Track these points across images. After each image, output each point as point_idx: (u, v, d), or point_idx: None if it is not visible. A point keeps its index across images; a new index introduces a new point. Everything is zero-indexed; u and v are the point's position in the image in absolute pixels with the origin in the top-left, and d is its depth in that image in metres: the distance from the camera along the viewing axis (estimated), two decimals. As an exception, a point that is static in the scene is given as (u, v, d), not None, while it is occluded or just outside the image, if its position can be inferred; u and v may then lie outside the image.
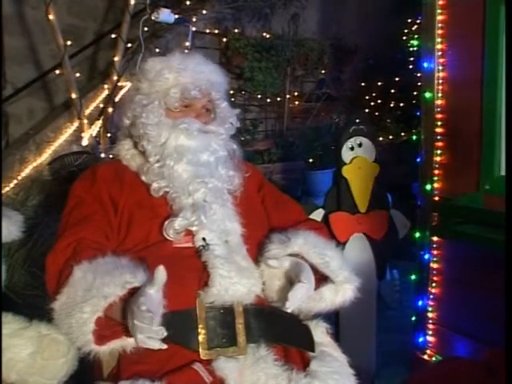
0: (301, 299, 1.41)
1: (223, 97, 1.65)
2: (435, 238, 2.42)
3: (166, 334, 1.21)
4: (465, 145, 2.30)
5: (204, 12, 4.26)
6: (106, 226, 1.48)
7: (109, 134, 3.35)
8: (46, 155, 3.32)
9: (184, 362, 1.32)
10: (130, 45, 3.54)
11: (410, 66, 4.81)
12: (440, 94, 2.37)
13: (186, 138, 1.52)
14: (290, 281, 1.47)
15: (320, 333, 1.55)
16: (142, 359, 1.32)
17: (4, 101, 3.60)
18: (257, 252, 1.52)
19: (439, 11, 2.35)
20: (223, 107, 1.63)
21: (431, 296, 2.45)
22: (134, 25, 3.38)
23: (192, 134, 1.53)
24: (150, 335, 1.20)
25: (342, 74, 5.40)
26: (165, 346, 1.23)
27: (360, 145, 2.48)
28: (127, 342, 1.30)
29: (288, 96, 4.95)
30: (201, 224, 1.45)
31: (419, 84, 2.51)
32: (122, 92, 3.45)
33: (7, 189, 3.05)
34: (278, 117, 5.02)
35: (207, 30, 4.47)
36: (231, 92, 4.51)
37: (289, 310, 1.40)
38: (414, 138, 3.22)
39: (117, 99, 3.43)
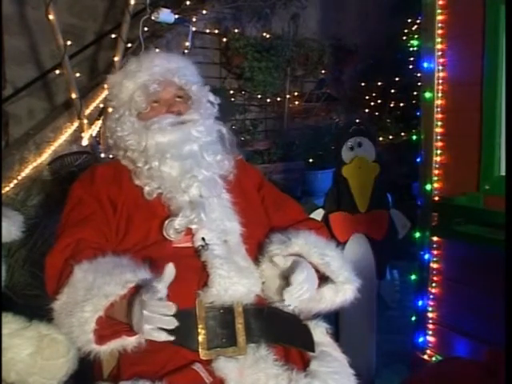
0: (299, 299, 1.40)
1: (192, 81, 1.63)
2: (435, 238, 2.42)
3: (177, 324, 1.21)
4: (465, 145, 2.29)
5: (204, 12, 4.26)
6: (105, 227, 1.48)
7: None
8: (46, 155, 3.33)
9: (184, 362, 1.32)
10: (130, 45, 3.54)
11: (410, 66, 4.81)
12: (440, 94, 2.37)
13: (161, 136, 1.51)
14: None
15: (320, 333, 1.55)
16: (142, 360, 1.32)
17: (4, 101, 3.60)
18: (257, 251, 1.52)
19: (439, 11, 2.35)
20: (194, 90, 1.61)
21: (431, 296, 2.45)
22: (133, 25, 3.39)
23: (166, 129, 1.52)
24: (160, 325, 1.20)
25: (342, 74, 5.41)
26: (171, 338, 1.23)
27: (360, 145, 2.48)
28: (128, 342, 1.30)
29: (288, 96, 4.95)
30: (200, 221, 1.45)
31: (419, 84, 2.51)
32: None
33: (7, 189, 3.05)
34: (278, 117, 5.02)
35: (207, 30, 4.47)
36: (231, 92, 4.52)
37: (290, 308, 1.40)
38: (414, 137, 3.21)
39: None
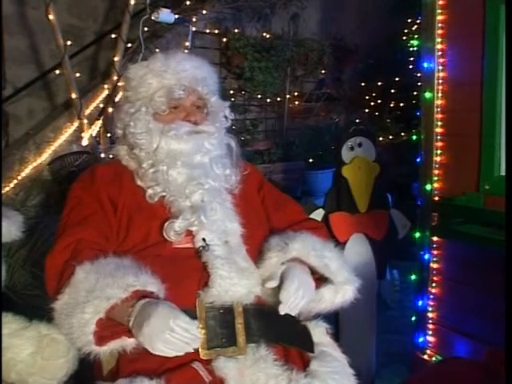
0: (296, 308, 1.41)
1: (213, 91, 1.63)
2: (435, 238, 2.42)
3: (192, 351, 1.28)
4: (465, 145, 2.30)
5: (204, 12, 4.26)
6: (105, 227, 1.48)
7: (109, 134, 3.35)
8: (46, 155, 3.32)
9: (183, 361, 1.32)
10: (130, 45, 3.54)
11: (410, 66, 4.81)
12: (440, 94, 2.37)
13: (176, 143, 1.51)
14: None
15: (320, 333, 1.55)
16: (140, 358, 1.31)
17: (4, 101, 3.60)
18: (257, 252, 1.52)
19: (439, 11, 2.35)
20: (213, 101, 1.61)
21: (431, 296, 2.45)
22: (133, 25, 3.38)
23: (182, 138, 1.51)
24: (177, 350, 1.25)
25: (342, 74, 5.41)
26: (181, 353, 1.27)
27: (360, 145, 2.48)
28: (127, 342, 1.30)
29: (288, 96, 4.95)
30: (201, 224, 1.45)
31: (419, 84, 2.51)
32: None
33: (7, 189, 3.05)
34: (278, 117, 5.02)
35: (207, 30, 4.47)
36: (231, 92, 4.52)
37: (282, 313, 1.40)
38: (414, 137, 3.21)
39: (117, 99, 3.43)
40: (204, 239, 1.44)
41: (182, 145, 1.51)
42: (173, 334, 1.23)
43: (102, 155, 3.13)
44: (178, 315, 1.25)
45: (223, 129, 1.62)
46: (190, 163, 1.51)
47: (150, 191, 1.50)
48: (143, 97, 1.57)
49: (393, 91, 5.17)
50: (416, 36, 4.74)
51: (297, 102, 5.05)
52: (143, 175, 1.53)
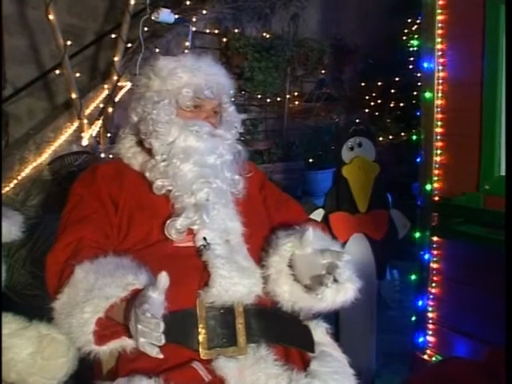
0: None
1: (230, 101, 1.66)
2: (435, 238, 2.42)
3: (164, 341, 1.19)
4: (465, 145, 2.30)
5: (204, 12, 4.27)
6: (106, 225, 1.48)
7: (109, 134, 3.35)
8: (46, 155, 3.33)
9: (182, 360, 1.32)
10: (130, 45, 3.54)
11: (410, 66, 4.82)
12: (440, 94, 2.37)
13: (195, 140, 1.52)
14: (296, 279, 1.46)
15: (320, 333, 1.55)
16: (140, 357, 1.31)
17: (4, 101, 3.60)
18: (258, 251, 1.52)
19: (439, 11, 2.35)
20: (230, 111, 1.64)
21: (431, 296, 2.45)
22: (133, 25, 3.39)
23: (202, 136, 1.53)
24: (151, 341, 1.19)
25: (342, 74, 5.41)
26: (161, 356, 1.22)
27: (360, 145, 2.48)
28: (127, 342, 1.29)
29: (288, 96, 4.95)
30: (203, 223, 1.45)
31: (419, 84, 2.52)
32: (122, 92, 3.45)
33: (7, 189, 3.06)
34: (278, 117, 5.02)
35: (207, 30, 4.47)
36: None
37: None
38: (414, 137, 3.22)
39: (117, 99, 3.43)
40: (205, 238, 1.44)
41: (200, 143, 1.52)
42: (140, 323, 1.18)
43: (102, 155, 3.14)
44: (140, 303, 1.19)
45: (235, 137, 1.64)
46: (203, 163, 1.51)
47: (158, 183, 1.50)
48: (170, 89, 1.56)
49: (393, 91, 5.17)
50: (416, 36, 4.74)
51: (297, 102, 5.05)
52: (153, 167, 1.52)
